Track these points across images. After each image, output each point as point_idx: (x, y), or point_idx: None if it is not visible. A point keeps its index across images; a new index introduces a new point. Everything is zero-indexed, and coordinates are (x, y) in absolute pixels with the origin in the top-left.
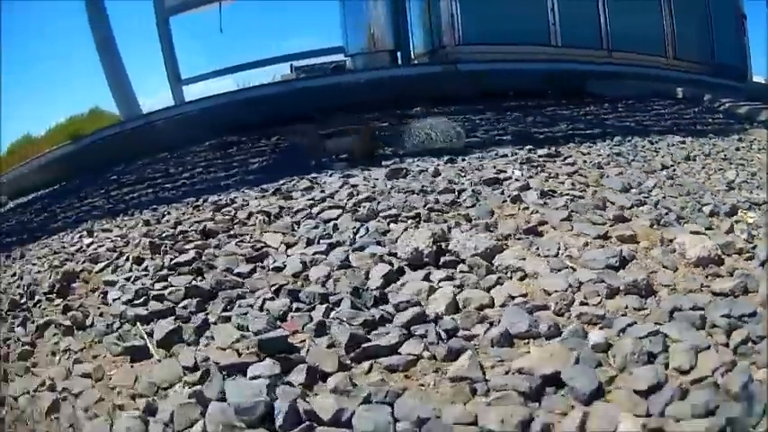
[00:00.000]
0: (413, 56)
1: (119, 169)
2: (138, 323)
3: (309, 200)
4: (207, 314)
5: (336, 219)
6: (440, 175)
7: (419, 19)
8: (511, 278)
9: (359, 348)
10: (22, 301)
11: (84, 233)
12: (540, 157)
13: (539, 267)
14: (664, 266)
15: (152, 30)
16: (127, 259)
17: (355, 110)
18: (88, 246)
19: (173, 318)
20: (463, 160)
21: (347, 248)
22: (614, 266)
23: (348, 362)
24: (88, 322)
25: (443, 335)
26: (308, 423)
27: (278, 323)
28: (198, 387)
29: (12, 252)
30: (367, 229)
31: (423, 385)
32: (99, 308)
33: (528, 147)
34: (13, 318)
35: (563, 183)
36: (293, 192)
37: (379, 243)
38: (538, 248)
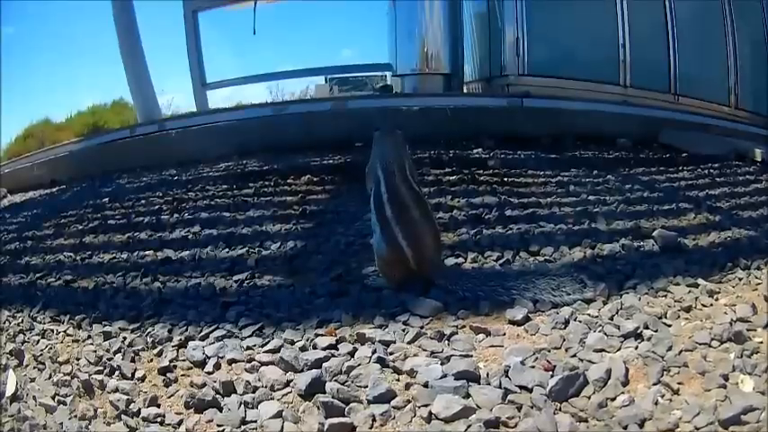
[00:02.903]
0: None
1: (121, 183)
2: None
3: None
4: None
5: None
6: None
7: (474, 41)
8: None
9: None
10: None
11: (11, 354)
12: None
13: None
14: None
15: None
16: None
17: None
18: (9, 403)
19: None
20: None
21: None
22: None
23: None
24: None
25: None
26: None
27: None
28: None
29: None
30: None
31: None
32: None
33: (710, 278)
34: None
35: None
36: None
37: None
38: None
